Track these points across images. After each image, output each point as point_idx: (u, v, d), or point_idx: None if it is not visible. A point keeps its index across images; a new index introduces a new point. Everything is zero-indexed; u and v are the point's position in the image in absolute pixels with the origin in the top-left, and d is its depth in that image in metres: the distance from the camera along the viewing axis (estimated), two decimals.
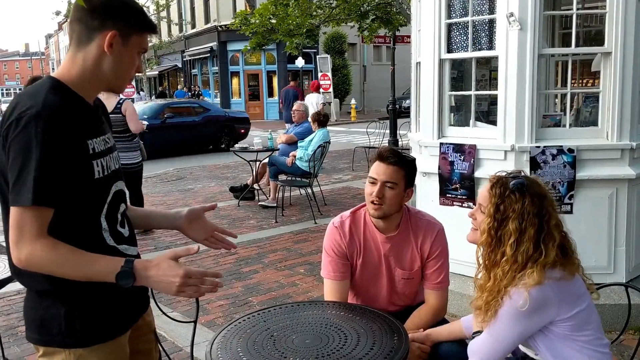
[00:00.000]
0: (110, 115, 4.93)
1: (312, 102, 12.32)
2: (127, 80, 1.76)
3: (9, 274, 2.94)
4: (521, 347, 2.09)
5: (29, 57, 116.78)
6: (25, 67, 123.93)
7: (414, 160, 2.53)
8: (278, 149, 8.25)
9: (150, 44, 33.40)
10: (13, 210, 1.50)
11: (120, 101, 6.04)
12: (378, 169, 2.42)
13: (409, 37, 10.87)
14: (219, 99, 30.18)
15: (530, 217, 1.90)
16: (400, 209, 2.46)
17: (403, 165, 2.43)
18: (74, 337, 1.60)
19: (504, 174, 2.04)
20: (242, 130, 15.93)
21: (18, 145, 1.48)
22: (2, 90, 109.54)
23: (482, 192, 2.04)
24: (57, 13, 33.96)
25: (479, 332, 2.05)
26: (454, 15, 4.26)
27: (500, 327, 1.93)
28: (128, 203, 1.86)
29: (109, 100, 5.89)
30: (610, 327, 3.49)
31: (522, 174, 2.03)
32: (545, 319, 1.89)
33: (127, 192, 1.83)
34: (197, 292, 1.61)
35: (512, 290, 1.88)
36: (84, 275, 1.54)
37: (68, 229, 1.56)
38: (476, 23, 4.17)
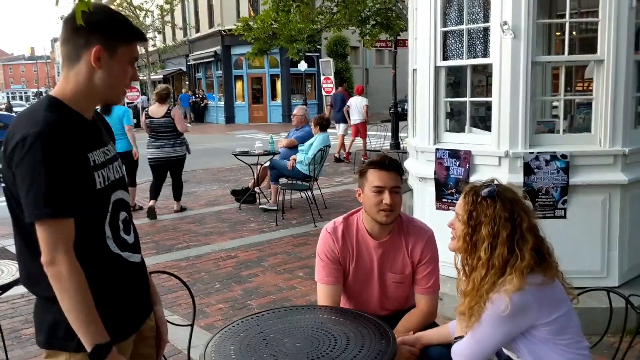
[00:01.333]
0: (162, 119, 6.05)
1: (357, 104, 13.16)
2: (122, 90, 1.82)
3: (11, 278, 3.03)
4: (504, 350, 2.16)
5: (35, 61, 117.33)
6: (31, 71, 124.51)
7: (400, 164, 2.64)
8: (279, 153, 8.32)
9: (154, 48, 33.58)
10: (38, 226, 1.57)
11: (170, 108, 7.72)
12: (383, 178, 2.47)
13: None
14: (222, 103, 30.29)
15: (502, 222, 1.97)
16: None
17: (400, 171, 2.54)
18: (77, 341, 1.66)
19: (478, 183, 2.11)
20: None
21: (26, 165, 1.56)
22: (7, 93, 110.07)
23: (459, 202, 2.10)
24: (62, 18, 34.01)
25: (460, 338, 2.12)
26: (449, 23, 4.33)
27: (483, 331, 2.00)
28: (130, 212, 1.93)
29: (160, 108, 7.71)
30: (603, 330, 3.54)
31: (495, 182, 2.10)
32: (526, 323, 1.96)
33: (129, 201, 1.90)
34: None
35: (494, 296, 1.94)
36: (78, 318, 1.60)
37: (76, 238, 1.62)
38: (471, 31, 4.24)
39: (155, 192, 7.95)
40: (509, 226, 1.98)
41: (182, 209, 8.29)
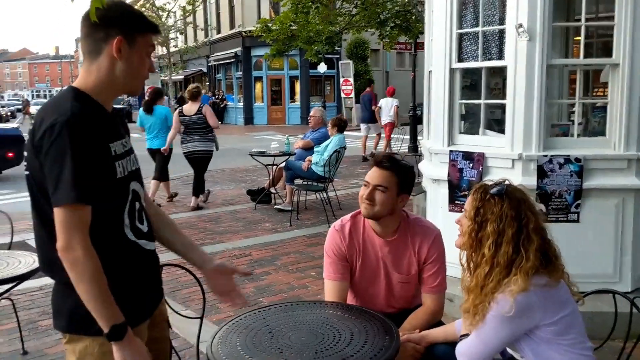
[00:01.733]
0: (194, 116, 6.60)
1: (388, 105, 13.61)
2: (142, 80, 1.90)
3: (28, 269, 3.11)
4: (508, 350, 2.17)
5: (59, 60, 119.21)
6: (55, 70, 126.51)
7: (409, 168, 2.61)
8: (294, 154, 8.37)
9: (176, 49, 33.90)
10: (57, 211, 1.64)
11: (201, 106, 8.13)
12: (372, 173, 2.54)
13: None
14: (242, 104, 30.47)
15: (508, 220, 1.98)
16: (392, 212, 2.54)
17: (396, 172, 2.52)
18: (97, 325, 1.72)
19: (489, 182, 2.12)
20: (11, 154, 11.80)
21: (54, 152, 1.63)
22: (32, 92, 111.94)
23: (468, 199, 2.12)
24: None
25: (466, 335, 2.13)
26: (465, 25, 4.34)
27: (487, 330, 2.01)
28: (143, 202, 1.99)
29: (192, 106, 8.13)
30: (615, 335, 3.52)
31: (506, 182, 2.11)
32: (530, 323, 1.97)
33: (142, 192, 1.97)
34: None
35: (499, 297, 1.95)
36: (95, 301, 1.67)
37: (95, 225, 1.69)
38: (486, 33, 4.24)
39: (200, 189, 8.58)
40: (515, 225, 1.99)
41: (199, 207, 8.40)
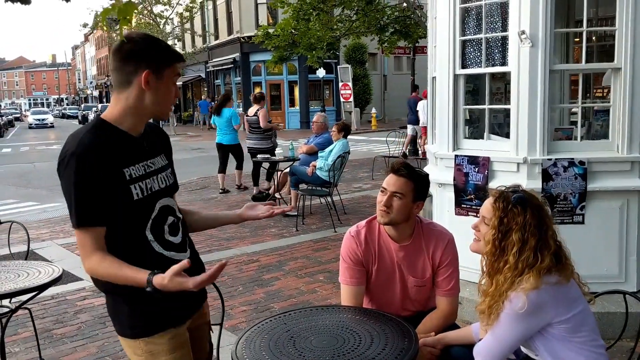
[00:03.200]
0: (252, 117, 7.88)
1: (424, 107, 13.71)
2: (169, 106, 2.05)
3: (48, 279, 3.17)
4: (522, 349, 2.24)
5: (56, 68, 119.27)
6: (52, 78, 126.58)
7: (425, 175, 2.69)
8: (299, 159, 8.45)
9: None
10: (75, 232, 1.89)
11: (259, 109, 9.42)
12: (389, 180, 2.62)
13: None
14: (241, 109, 30.55)
15: (531, 229, 2.07)
16: (407, 219, 2.62)
17: (412, 179, 2.60)
18: (138, 329, 1.97)
19: (503, 188, 2.20)
20: None
21: (64, 179, 1.85)
22: (29, 100, 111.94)
23: (486, 205, 2.19)
24: (84, 25, 34.52)
25: None
26: (468, 32, 4.42)
27: (502, 328, 2.09)
28: (179, 214, 2.14)
29: (253, 108, 9.54)
30: (624, 334, 3.59)
31: (521, 188, 2.19)
32: (543, 321, 2.05)
33: (175, 206, 2.12)
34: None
35: (512, 295, 2.04)
36: (123, 281, 1.86)
37: (119, 241, 1.90)
38: (489, 40, 4.32)
39: (255, 179, 9.70)
40: (537, 233, 2.09)
41: (262, 191, 9.61)
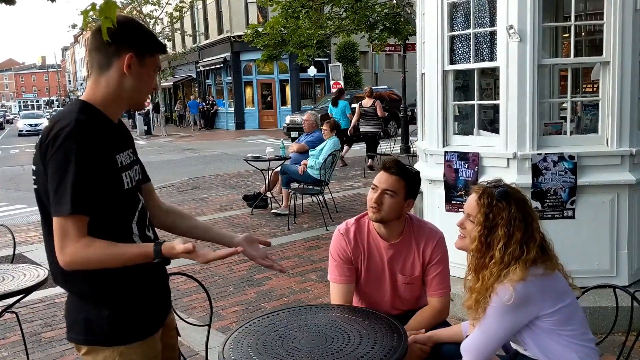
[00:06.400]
0: (368, 108, 12.36)
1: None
2: (146, 96, 1.97)
3: (34, 282, 3.13)
4: (512, 344, 2.22)
5: (46, 70, 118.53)
6: (42, 80, 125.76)
7: (417, 173, 2.67)
8: (290, 158, 8.41)
9: (164, 56, 33.89)
10: (55, 220, 1.68)
11: (374, 101, 12.29)
12: (380, 178, 2.59)
13: None
14: (232, 109, 30.49)
15: (517, 223, 2.06)
16: (399, 216, 2.60)
17: (404, 177, 2.57)
18: (117, 336, 1.80)
19: (485, 183, 2.18)
20: None
21: (56, 161, 1.67)
22: (19, 102, 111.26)
23: (470, 202, 2.17)
24: (74, 26, 34.35)
25: None
26: (456, 27, 4.40)
27: (489, 322, 2.08)
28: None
29: (368, 101, 12.37)
30: (616, 328, 3.58)
31: (502, 182, 2.18)
32: (531, 313, 2.04)
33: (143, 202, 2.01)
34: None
35: (498, 287, 2.03)
36: (122, 260, 1.73)
37: (103, 235, 1.74)
38: (478, 35, 4.30)
39: (370, 156, 12.17)
40: (522, 226, 2.07)
41: (372, 168, 11.73)
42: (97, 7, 1.73)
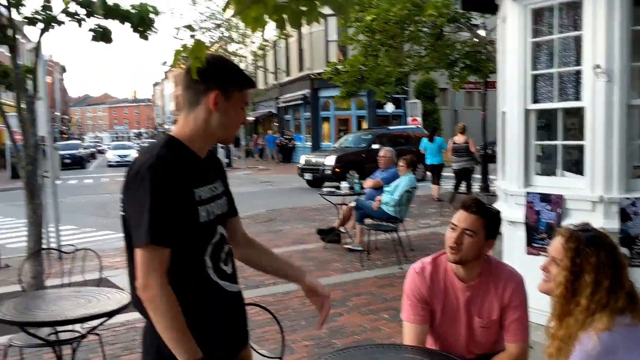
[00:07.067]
0: (462, 144, 12.83)
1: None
2: (235, 131, 2.04)
3: (117, 305, 3.27)
4: None
5: (137, 104, 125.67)
6: (133, 113, 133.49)
7: (497, 212, 2.61)
8: (364, 193, 8.42)
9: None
10: (137, 251, 1.77)
11: (467, 138, 12.80)
12: (460, 217, 2.53)
13: None
14: (310, 143, 30.97)
15: (605, 269, 1.96)
16: (478, 257, 2.54)
17: (484, 216, 2.52)
18: None
19: (572, 226, 2.10)
20: None
21: (136, 194, 1.77)
22: (111, 134, 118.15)
23: (556, 246, 2.09)
24: (164, 63, 36.34)
25: None
26: (539, 66, 4.31)
27: None
28: (229, 245, 2.07)
29: (461, 137, 12.84)
30: None
31: (590, 226, 2.09)
32: None
33: (226, 235, 2.06)
34: None
35: (582, 336, 1.93)
36: (169, 328, 1.76)
37: (177, 266, 1.80)
38: (562, 74, 4.19)
39: (454, 191, 12.66)
40: (611, 273, 1.98)
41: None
42: (188, 47, 1.84)
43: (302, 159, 19.16)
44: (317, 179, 17.59)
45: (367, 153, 17.12)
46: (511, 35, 4.40)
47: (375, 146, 17.23)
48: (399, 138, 18.85)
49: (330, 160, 17.14)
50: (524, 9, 4.26)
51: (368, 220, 7.99)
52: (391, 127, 22.19)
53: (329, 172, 16.92)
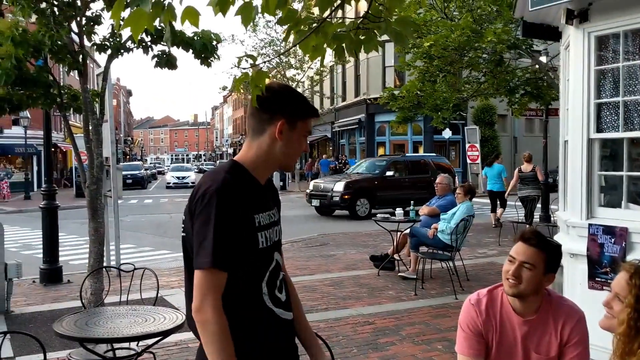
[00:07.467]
0: (528, 173, 12.48)
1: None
2: (296, 159, 2.07)
3: (172, 325, 3.33)
4: None
5: (197, 127, 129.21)
6: (193, 136, 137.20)
7: (558, 246, 2.52)
8: (420, 220, 8.31)
9: None
10: (196, 272, 1.79)
11: (534, 166, 12.62)
12: (518, 249, 2.46)
13: None
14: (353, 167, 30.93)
15: None
16: (537, 291, 2.45)
17: (544, 249, 2.43)
18: None
19: (637, 261, 2.00)
20: None
21: (201, 217, 1.80)
22: (171, 155, 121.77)
23: (620, 281, 2.00)
24: (224, 88, 37.19)
25: None
26: (603, 95, 4.19)
27: None
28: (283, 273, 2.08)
29: (528, 166, 12.52)
30: None
31: None
32: None
33: (282, 263, 2.07)
34: None
35: None
36: (218, 352, 1.74)
37: (233, 291, 1.82)
38: (628, 103, 4.05)
39: (527, 217, 11.92)
40: None
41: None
42: (249, 75, 1.89)
43: (311, 185, 18.65)
44: (325, 205, 17.16)
45: (380, 180, 16.76)
46: (574, 63, 4.30)
47: (389, 173, 17.02)
48: (416, 165, 18.08)
49: (339, 187, 16.58)
50: (588, 36, 4.16)
51: (423, 248, 7.87)
52: (408, 155, 21.86)
53: (337, 198, 16.45)
